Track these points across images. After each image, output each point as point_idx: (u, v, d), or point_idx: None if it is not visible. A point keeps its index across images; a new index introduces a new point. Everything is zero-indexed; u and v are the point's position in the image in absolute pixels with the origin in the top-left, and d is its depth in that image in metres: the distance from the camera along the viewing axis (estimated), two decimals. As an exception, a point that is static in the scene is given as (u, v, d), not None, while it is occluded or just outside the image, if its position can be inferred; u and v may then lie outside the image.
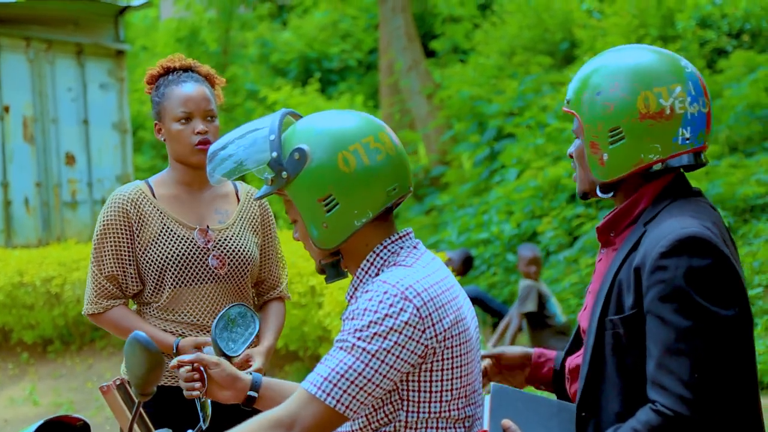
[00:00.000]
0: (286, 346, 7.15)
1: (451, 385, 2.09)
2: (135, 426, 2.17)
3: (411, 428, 2.09)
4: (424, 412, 2.08)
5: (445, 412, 2.09)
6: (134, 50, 18.27)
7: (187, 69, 3.08)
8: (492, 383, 2.16)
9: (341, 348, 2.02)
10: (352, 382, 1.99)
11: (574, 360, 2.23)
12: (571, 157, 2.25)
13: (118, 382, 2.26)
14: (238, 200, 3.13)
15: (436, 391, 2.08)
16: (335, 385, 1.99)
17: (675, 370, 1.92)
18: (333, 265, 2.21)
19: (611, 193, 2.20)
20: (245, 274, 3.06)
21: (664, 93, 2.08)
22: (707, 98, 2.12)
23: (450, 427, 2.11)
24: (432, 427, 2.09)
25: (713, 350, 1.92)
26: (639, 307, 2.00)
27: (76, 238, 10.03)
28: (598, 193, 2.23)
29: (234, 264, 3.03)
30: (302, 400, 2.00)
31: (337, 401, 1.98)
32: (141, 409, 2.15)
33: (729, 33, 10.75)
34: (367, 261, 2.15)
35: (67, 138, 10.35)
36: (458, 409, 2.11)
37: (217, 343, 2.37)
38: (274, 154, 2.11)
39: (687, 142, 2.10)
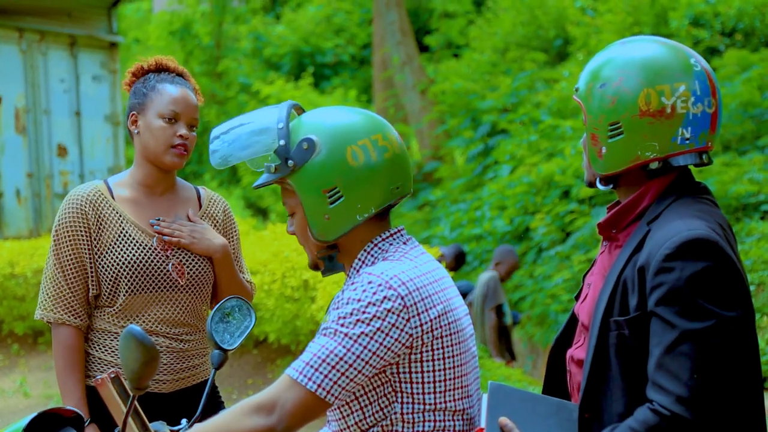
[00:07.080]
0: (278, 339, 7.14)
1: (444, 375, 2.10)
2: (129, 419, 2.16)
3: (408, 422, 2.09)
4: (419, 403, 2.09)
5: (440, 403, 2.10)
6: (127, 42, 18.22)
7: (179, 75, 3.00)
8: (489, 381, 2.15)
9: (324, 334, 2.05)
10: (333, 367, 2.01)
11: (575, 352, 2.21)
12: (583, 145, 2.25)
13: (112, 376, 2.25)
14: (200, 206, 3.03)
15: (428, 382, 2.09)
16: (316, 369, 2.01)
17: (675, 371, 1.90)
18: (329, 258, 2.23)
19: (611, 186, 2.19)
20: (207, 282, 2.96)
21: (667, 91, 2.05)
22: (715, 98, 2.08)
23: (448, 420, 2.11)
24: (429, 420, 2.10)
25: (715, 352, 1.90)
26: (643, 309, 1.99)
27: (67, 230, 9.99)
28: (598, 185, 2.21)
29: (194, 273, 2.93)
30: (284, 385, 2.02)
31: (318, 386, 2.00)
32: (135, 403, 2.15)
33: (722, 32, 10.77)
34: (359, 259, 2.18)
35: (59, 129, 10.32)
36: (454, 400, 2.12)
37: (212, 336, 2.36)
38: (282, 142, 2.14)
39: (687, 142, 2.06)
